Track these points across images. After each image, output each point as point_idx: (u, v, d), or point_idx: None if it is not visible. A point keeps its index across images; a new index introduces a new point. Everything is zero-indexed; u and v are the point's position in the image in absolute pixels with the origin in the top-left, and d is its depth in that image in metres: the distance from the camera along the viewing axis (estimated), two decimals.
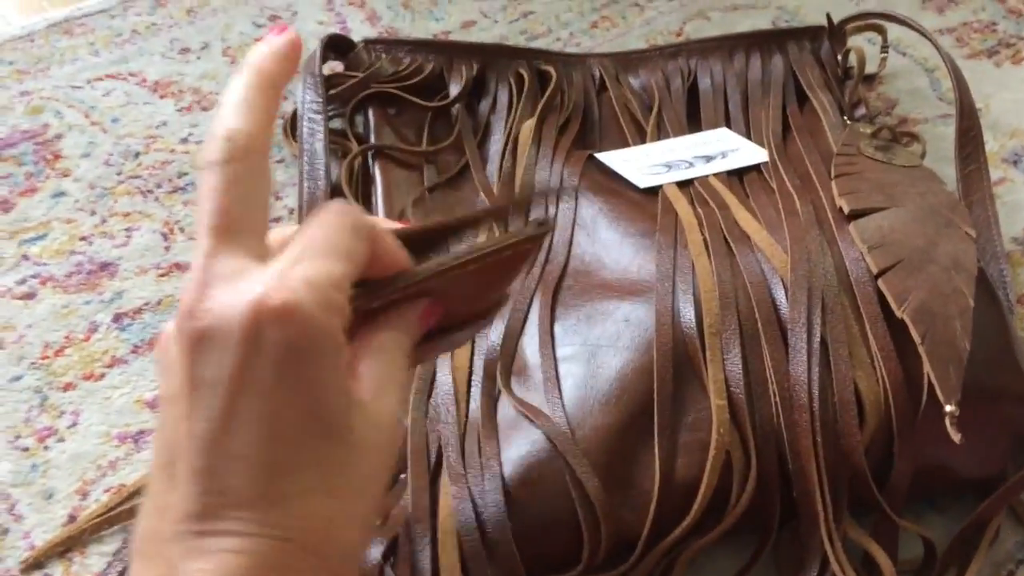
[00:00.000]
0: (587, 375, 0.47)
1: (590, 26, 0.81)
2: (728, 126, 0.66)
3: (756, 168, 0.61)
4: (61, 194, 0.66)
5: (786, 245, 0.51)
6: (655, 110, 0.67)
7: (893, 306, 0.46)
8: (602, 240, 0.55)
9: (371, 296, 0.30)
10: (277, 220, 0.65)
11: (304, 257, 0.26)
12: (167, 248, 0.63)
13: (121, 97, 0.73)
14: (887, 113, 0.73)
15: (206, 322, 0.24)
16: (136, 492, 0.50)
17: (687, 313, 0.48)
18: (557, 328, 0.50)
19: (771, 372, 0.46)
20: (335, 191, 0.62)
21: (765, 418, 0.46)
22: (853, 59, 0.69)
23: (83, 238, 0.63)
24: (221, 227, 0.25)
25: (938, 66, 0.75)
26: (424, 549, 0.43)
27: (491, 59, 0.69)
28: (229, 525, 0.23)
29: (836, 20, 0.70)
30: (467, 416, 0.47)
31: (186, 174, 0.68)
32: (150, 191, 0.67)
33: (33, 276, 0.61)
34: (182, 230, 0.64)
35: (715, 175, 0.59)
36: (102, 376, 0.56)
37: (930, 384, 0.44)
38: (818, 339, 0.46)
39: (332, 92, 0.66)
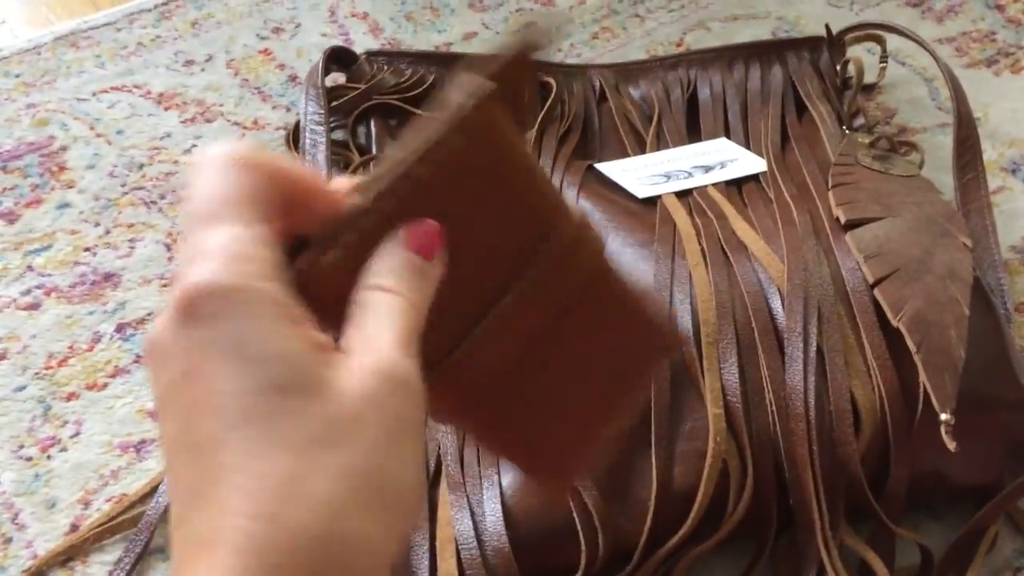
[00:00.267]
0: None
1: (591, 37, 0.82)
2: (727, 136, 0.67)
3: (755, 178, 0.61)
4: (66, 205, 0.67)
5: (783, 254, 0.51)
6: (655, 120, 0.68)
7: (889, 315, 0.47)
8: None
9: (322, 247, 0.23)
10: None
11: (191, 227, 0.23)
12: (170, 259, 0.64)
13: (126, 109, 0.74)
14: (886, 122, 0.73)
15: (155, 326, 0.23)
16: (138, 501, 0.51)
17: (684, 322, 0.48)
18: None
19: (767, 381, 0.46)
20: None
21: (762, 427, 0.46)
22: (852, 69, 0.69)
23: (87, 249, 0.64)
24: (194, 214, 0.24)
25: (937, 76, 0.75)
26: (422, 557, 0.43)
27: None
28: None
29: (835, 31, 0.71)
30: None
31: None
32: (154, 202, 0.67)
33: (37, 287, 0.62)
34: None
35: (714, 185, 0.60)
36: (105, 386, 0.57)
37: (926, 392, 0.44)
38: (814, 348, 0.47)
39: (334, 104, 0.66)
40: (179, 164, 0.70)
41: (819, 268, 0.50)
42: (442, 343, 0.25)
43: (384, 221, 0.24)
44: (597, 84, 0.71)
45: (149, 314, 0.60)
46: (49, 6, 0.91)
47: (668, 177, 0.61)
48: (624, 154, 0.66)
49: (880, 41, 0.72)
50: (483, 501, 0.44)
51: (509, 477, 0.45)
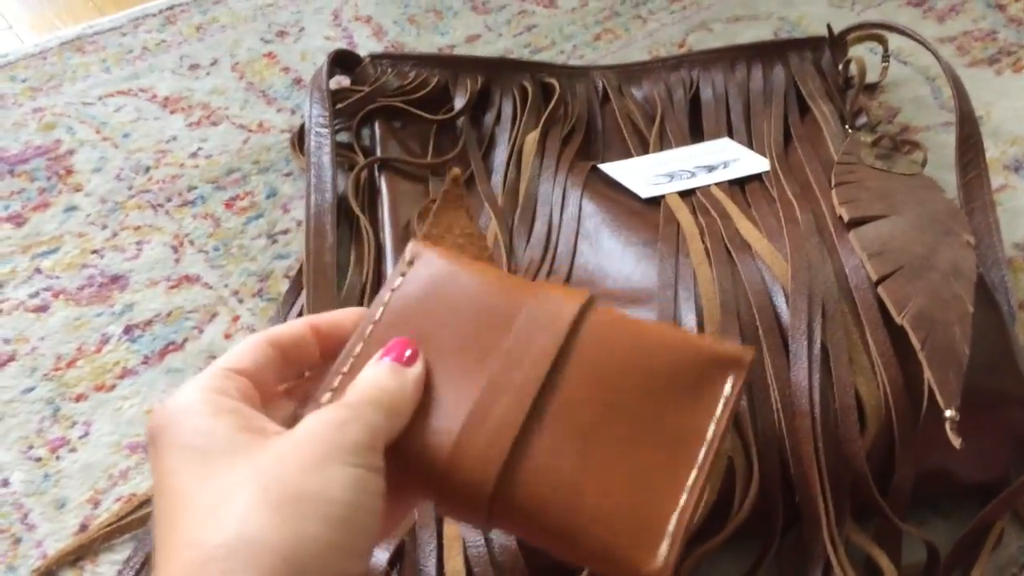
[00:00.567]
0: None
1: (593, 38, 0.82)
2: (730, 136, 0.67)
3: (758, 177, 0.61)
4: (73, 208, 0.67)
5: (787, 253, 0.51)
6: (658, 121, 0.68)
7: (893, 313, 0.47)
8: (605, 249, 0.56)
9: (318, 397, 0.31)
10: (285, 232, 0.66)
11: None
12: (177, 261, 0.64)
13: (132, 113, 0.75)
14: (889, 121, 0.73)
15: None
16: (146, 501, 0.51)
17: (689, 321, 0.49)
18: None
19: (772, 379, 0.47)
20: (342, 203, 0.63)
21: (767, 424, 0.46)
22: (854, 69, 0.69)
23: (94, 251, 0.64)
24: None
25: (939, 74, 0.75)
26: (430, 555, 0.44)
27: (495, 72, 0.70)
28: None
29: (837, 30, 0.71)
30: None
31: (195, 188, 0.69)
32: (160, 205, 0.68)
33: (46, 289, 0.62)
34: (192, 243, 0.65)
35: (717, 184, 0.60)
36: (113, 387, 0.57)
37: (930, 389, 0.45)
38: (819, 346, 0.47)
39: (339, 106, 0.67)
40: (184, 167, 0.70)
41: (823, 266, 0.50)
42: (444, 426, 0.30)
43: (366, 355, 0.31)
44: (600, 85, 0.71)
45: (156, 315, 0.61)
46: (55, 11, 0.92)
47: (671, 177, 0.62)
48: (627, 154, 0.66)
49: (882, 41, 0.72)
50: None
51: None
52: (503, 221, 0.60)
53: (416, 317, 0.31)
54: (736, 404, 0.27)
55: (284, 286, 0.62)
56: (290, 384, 0.34)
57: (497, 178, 0.64)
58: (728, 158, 0.64)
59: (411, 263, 0.33)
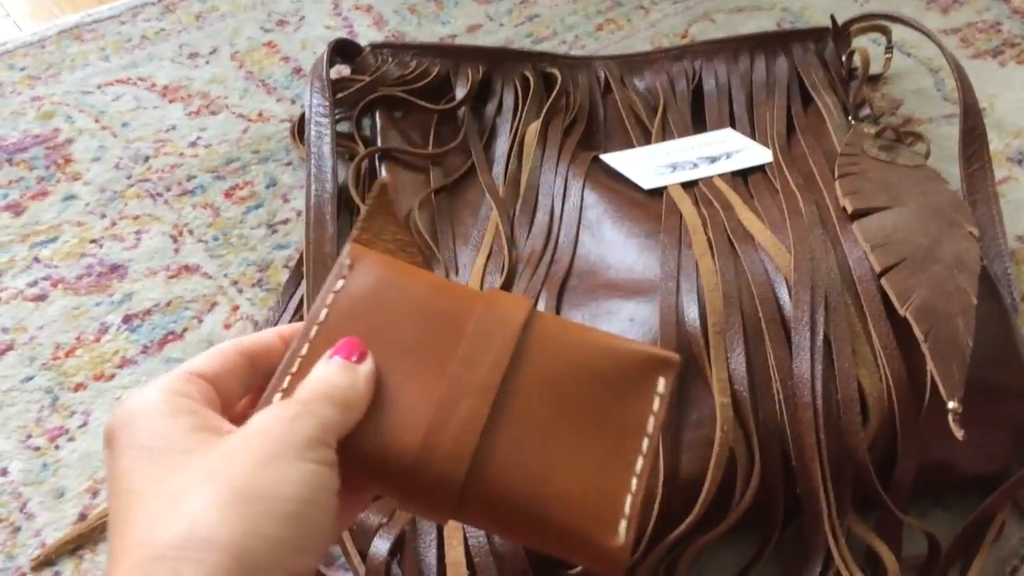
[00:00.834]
0: None
1: (595, 29, 0.82)
2: (733, 127, 0.67)
3: (760, 168, 0.61)
4: (72, 198, 0.67)
5: (789, 244, 0.51)
6: (660, 111, 0.68)
7: (896, 304, 0.47)
8: (607, 240, 0.56)
9: (269, 394, 0.31)
10: (285, 222, 0.65)
11: None
12: (176, 250, 0.64)
13: (131, 102, 0.74)
14: (892, 113, 0.73)
15: None
16: None
17: (691, 312, 0.48)
18: None
19: (775, 370, 0.46)
20: (342, 193, 0.62)
21: (769, 416, 0.46)
22: (857, 60, 0.69)
23: (93, 241, 0.64)
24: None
25: (943, 66, 0.75)
26: (430, 545, 0.44)
27: (496, 62, 0.70)
28: None
29: (840, 21, 0.71)
30: None
31: (195, 177, 0.68)
32: (159, 194, 0.67)
33: (44, 278, 0.62)
34: (191, 232, 0.65)
35: (719, 176, 0.60)
36: (112, 376, 0.57)
37: (933, 381, 0.45)
38: (821, 337, 0.47)
39: (339, 96, 0.66)
40: (184, 156, 0.70)
41: (826, 258, 0.50)
42: (406, 424, 0.30)
43: (314, 356, 0.32)
44: (602, 76, 0.71)
45: (155, 305, 0.60)
46: (53, 0, 0.91)
47: (674, 168, 0.61)
48: (629, 145, 0.66)
49: (885, 32, 0.72)
50: None
51: None
52: (504, 212, 0.60)
53: (362, 318, 0.32)
54: (671, 401, 0.31)
55: (284, 276, 0.62)
56: (253, 395, 0.34)
57: (498, 169, 0.64)
58: (731, 149, 0.63)
59: (351, 266, 0.33)
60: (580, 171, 0.61)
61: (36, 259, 0.63)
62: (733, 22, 0.82)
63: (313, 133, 0.63)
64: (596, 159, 0.63)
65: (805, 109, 0.67)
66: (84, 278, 0.62)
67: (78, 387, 0.56)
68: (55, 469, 0.52)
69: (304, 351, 0.32)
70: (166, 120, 0.73)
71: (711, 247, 0.52)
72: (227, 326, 0.59)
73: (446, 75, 0.69)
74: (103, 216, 0.66)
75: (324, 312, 0.32)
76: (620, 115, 0.68)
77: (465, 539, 0.43)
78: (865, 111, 0.67)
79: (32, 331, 0.59)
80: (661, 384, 0.32)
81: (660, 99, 0.69)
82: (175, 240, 0.64)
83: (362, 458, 0.30)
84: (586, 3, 0.84)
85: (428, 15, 0.83)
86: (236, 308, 0.60)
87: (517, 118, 0.67)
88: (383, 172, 0.63)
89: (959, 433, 0.43)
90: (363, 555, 0.45)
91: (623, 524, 0.29)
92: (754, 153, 0.63)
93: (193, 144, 0.71)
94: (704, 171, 0.61)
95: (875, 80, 0.74)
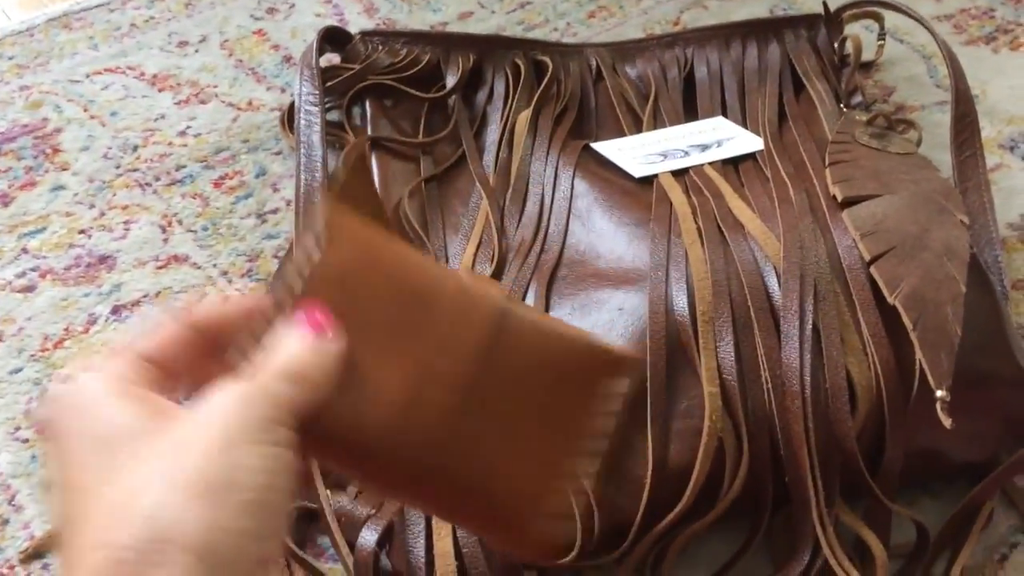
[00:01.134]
0: None
1: (587, 16, 0.82)
2: (724, 115, 0.66)
3: (751, 156, 0.61)
4: (60, 188, 0.67)
5: (779, 233, 0.51)
6: (651, 99, 0.67)
7: (885, 292, 0.47)
8: (597, 229, 0.56)
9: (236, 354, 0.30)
10: (274, 211, 0.65)
11: None
12: (165, 240, 0.63)
13: (119, 91, 0.74)
14: (884, 100, 0.73)
15: None
16: None
17: (680, 301, 0.48)
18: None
19: (763, 359, 0.46)
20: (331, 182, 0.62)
21: (757, 405, 0.46)
22: (850, 47, 0.69)
23: (82, 231, 0.64)
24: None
25: (936, 53, 0.75)
26: (419, 536, 0.44)
27: (488, 50, 0.70)
28: None
29: (833, 8, 0.70)
30: None
31: (184, 167, 0.68)
32: (148, 184, 0.67)
33: (32, 269, 0.62)
34: (180, 223, 0.64)
35: (710, 164, 0.60)
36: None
37: (922, 370, 0.44)
38: (810, 326, 0.47)
39: (329, 84, 0.66)
40: (173, 145, 0.70)
41: (815, 246, 0.50)
42: (376, 405, 0.30)
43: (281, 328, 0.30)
44: (593, 63, 0.70)
45: (144, 296, 0.60)
46: None
47: (664, 156, 0.61)
48: (620, 133, 0.66)
49: (878, 18, 0.72)
50: None
51: None
52: (494, 201, 0.59)
53: (338, 291, 0.31)
54: (627, 400, 0.32)
55: (273, 266, 0.62)
56: (208, 369, 0.31)
57: (489, 157, 0.64)
58: (722, 137, 0.63)
59: (329, 236, 0.31)
60: (571, 160, 0.61)
61: (24, 250, 0.63)
62: (725, 9, 0.81)
63: (303, 122, 0.63)
64: (587, 147, 0.63)
65: (797, 97, 0.67)
66: (73, 269, 0.62)
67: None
68: (44, 461, 0.52)
69: (271, 322, 0.30)
70: (155, 109, 0.72)
71: (701, 236, 0.52)
72: None
73: (437, 63, 0.69)
74: (92, 206, 0.65)
75: (300, 284, 0.31)
76: (611, 103, 0.68)
77: (454, 530, 0.43)
78: (857, 98, 0.66)
79: (20, 322, 0.59)
80: (621, 384, 0.32)
81: (652, 87, 0.68)
82: (164, 230, 0.64)
83: (328, 437, 0.29)
84: None
85: (419, 2, 0.83)
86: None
87: (508, 106, 0.66)
88: (373, 161, 0.63)
89: (947, 421, 0.43)
90: (351, 546, 0.45)
91: (558, 520, 0.30)
92: (745, 141, 0.62)
93: (182, 133, 0.70)
94: (695, 159, 0.60)
95: (867, 67, 0.74)
